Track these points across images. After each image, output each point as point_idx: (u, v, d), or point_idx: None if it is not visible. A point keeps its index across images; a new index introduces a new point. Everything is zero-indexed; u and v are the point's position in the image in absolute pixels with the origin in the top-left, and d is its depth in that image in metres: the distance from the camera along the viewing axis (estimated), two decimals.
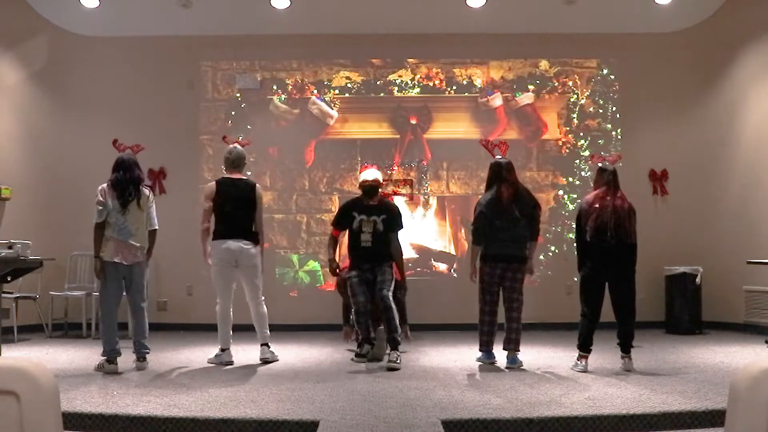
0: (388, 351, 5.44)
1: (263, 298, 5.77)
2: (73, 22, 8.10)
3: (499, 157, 5.63)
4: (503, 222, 5.35)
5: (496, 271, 5.35)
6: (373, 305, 5.59)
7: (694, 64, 8.19)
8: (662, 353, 6.00)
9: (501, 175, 5.45)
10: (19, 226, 7.31)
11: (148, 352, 5.38)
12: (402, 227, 5.78)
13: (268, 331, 5.76)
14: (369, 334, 5.69)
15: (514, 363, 5.31)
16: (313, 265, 8.21)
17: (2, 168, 7.47)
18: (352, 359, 5.66)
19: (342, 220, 5.78)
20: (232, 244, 5.51)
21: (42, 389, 1.54)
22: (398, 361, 5.28)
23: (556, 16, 7.96)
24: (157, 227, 5.46)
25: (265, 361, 5.63)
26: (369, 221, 5.59)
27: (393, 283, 5.57)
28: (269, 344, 5.76)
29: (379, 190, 5.83)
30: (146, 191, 5.43)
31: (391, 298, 5.46)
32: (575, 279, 8.10)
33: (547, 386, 4.48)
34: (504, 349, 5.38)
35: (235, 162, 5.74)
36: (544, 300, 7.71)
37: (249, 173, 8.30)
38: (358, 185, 5.95)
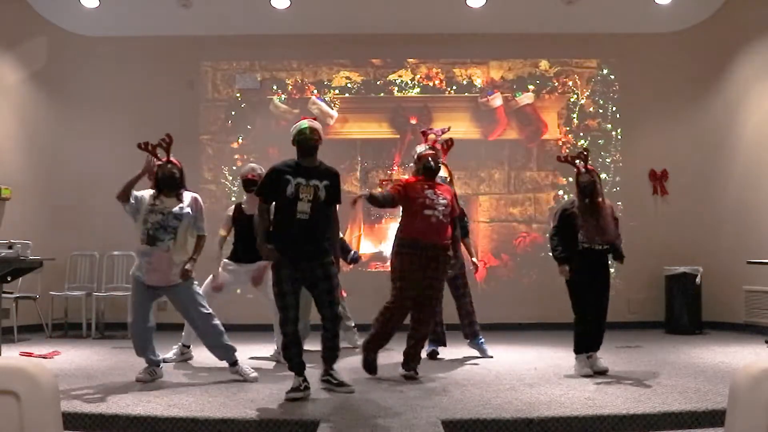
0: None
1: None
2: (73, 22, 8.10)
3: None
4: None
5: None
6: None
7: (694, 64, 8.18)
8: (662, 353, 6.00)
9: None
10: (19, 226, 7.30)
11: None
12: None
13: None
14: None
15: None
16: None
17: (2, 168, 7.46)
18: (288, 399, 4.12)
19: (272, 186, 4.37)
20: None
21: (42, 389, 1.55)
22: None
23: (556, 16, 7.96)
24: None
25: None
26: (309, 186, 4.31)
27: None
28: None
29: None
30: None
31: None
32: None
33: (547, 386, 4.48)
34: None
35: None
36: (544, 300, 7.70)
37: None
38: (291, 140, 4.59)
